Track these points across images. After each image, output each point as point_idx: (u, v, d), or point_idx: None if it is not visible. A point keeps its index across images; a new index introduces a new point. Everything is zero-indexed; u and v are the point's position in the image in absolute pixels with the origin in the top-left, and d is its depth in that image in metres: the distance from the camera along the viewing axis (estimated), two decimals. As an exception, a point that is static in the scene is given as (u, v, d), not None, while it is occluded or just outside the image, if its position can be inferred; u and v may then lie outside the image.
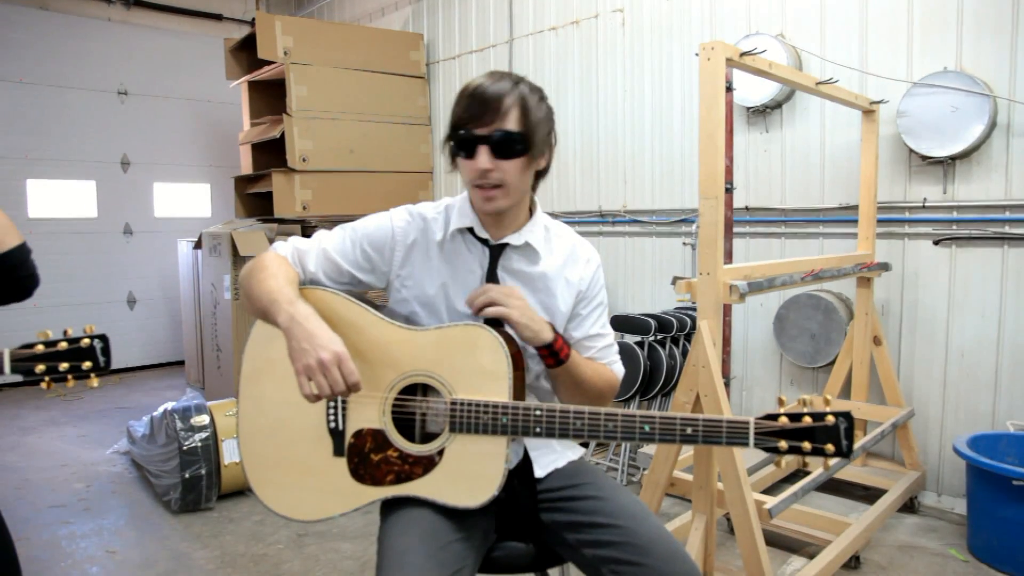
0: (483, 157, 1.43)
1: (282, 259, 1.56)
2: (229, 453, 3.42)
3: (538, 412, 1.37)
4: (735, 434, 1.31)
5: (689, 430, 1.32)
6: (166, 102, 6.56)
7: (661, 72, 4.21)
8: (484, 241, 1.55)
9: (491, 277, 1.54)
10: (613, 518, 1.44)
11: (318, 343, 1.33)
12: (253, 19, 5.23)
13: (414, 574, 1.28)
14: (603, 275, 1.67)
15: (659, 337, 3.72)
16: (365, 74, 5.35)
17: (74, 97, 6.08)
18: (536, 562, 1.55)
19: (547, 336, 1.45)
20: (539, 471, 1.55)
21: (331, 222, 4.93)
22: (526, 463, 1.53)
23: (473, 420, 1.38)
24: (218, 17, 6.86)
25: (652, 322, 3.70)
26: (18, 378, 1.52)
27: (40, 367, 1.50)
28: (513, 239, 1.55)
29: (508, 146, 1.43)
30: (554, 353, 1.47)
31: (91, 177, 6.23)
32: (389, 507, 1.47)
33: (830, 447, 1.28)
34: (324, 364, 1.31)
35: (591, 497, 1.50)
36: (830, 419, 1.28)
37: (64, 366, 1.51)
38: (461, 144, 1.45)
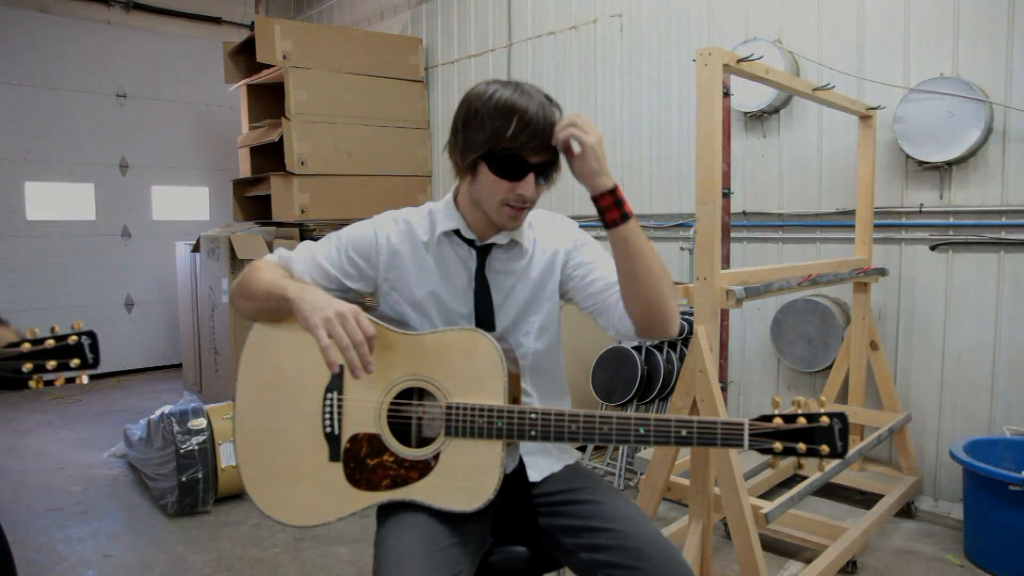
0: (530, 184, 1.43)
1: (273, 263, 1.60)
2: (226, 456, 3.42)
3: (533, 416, 1.37)
4: (730, 435, 1.31)
5: (684, 432, 1.33)
6: (165, 105, 6.56)
7: (659, 77, 4.22)
8: (471, 242, 1.56)
9: (479, 278, 1.55)
10: (608, 522, 1.44)
11: (332, 300, 1.38)
12: (252, 23, 5.24)
13: None
14: (583, 232, 1.67)
15: (656, 342, 3.73)
16: (364, 78, 5.36)
17: (73, 100, 6.09)
18: (532, 566, 1.55)
19: (607, 181, 1.41)
20: (534, 475, 1.55)
21: (329, 226, 4.94)
22: (521, 467, 1.53)
23: (468, 424, 1.38)
24: (217, 20, 6.87)
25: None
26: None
27: (27, 365, 1.48)
28: (499, 239, 1.56)
29: (550, 173, 1.47)
30: (618, 203, 1.42)
31: (90, 180, 6.23)
32: (386, 511, 1.47)
33: (825, 448, 1.28)
34: (342, 315, 1.34)
35: (587, 501, 1.50)
36: (824, 420, 1.28)
37: (52, 364, 1.50)
38: (506, 165, 1.42)
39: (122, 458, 4.06)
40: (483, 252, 1.56)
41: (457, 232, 1.56)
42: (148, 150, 6.51)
